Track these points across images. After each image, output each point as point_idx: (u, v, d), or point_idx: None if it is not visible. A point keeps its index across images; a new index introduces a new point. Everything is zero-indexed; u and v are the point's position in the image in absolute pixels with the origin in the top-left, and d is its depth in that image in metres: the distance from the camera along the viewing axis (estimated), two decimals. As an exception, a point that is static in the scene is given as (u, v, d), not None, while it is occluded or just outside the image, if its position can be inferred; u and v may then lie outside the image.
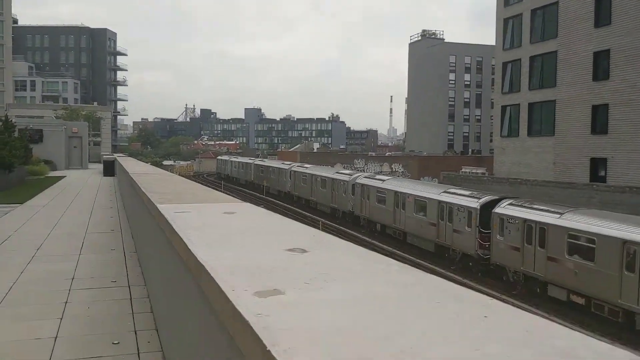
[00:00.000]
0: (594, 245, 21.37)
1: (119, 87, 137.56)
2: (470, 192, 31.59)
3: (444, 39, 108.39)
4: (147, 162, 44.56)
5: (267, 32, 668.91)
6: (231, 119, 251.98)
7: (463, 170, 49.28)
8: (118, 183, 27.91)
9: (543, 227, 23.92)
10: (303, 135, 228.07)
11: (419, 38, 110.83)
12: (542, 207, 25.45)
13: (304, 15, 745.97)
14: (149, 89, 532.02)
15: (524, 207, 26.11)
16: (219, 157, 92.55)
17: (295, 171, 54.50)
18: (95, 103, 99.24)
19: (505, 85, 50.49)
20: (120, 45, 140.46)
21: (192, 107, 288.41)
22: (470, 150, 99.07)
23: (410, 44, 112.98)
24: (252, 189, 67.09)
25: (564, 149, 43.93)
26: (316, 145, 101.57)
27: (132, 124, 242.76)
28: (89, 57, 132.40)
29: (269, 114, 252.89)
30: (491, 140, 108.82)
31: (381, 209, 37.29)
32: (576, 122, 42.90)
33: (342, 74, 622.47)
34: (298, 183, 53.16)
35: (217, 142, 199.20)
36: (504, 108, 50.62)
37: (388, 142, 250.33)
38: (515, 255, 25.35)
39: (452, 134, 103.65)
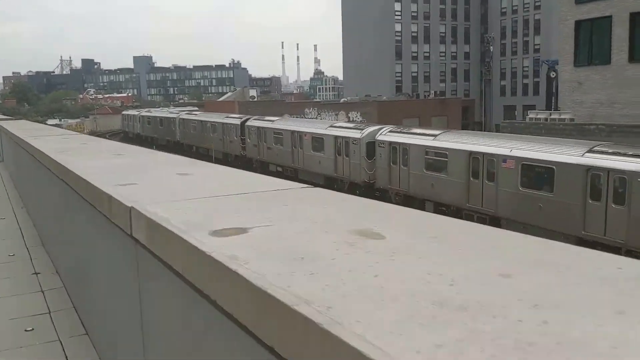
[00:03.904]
0: (281, 136, 36.21)
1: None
2: (238, 116, 46.34)
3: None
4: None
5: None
6: (118, 69, 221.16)
7: (531, 116, 33.08)
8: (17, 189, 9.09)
9: (264, 130, 38.51)
10: (202, 84, 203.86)
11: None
12: (266, 119, 40.33)
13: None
14: (17, 43, 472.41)
15: (259, 120, 40.64)
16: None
17: (143, 116, 65.86)
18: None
19: (583, -9, 34.06)
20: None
21: (69, 58, 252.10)
22: (428, 93, 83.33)
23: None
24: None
25: None
26: (252, 93, 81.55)
27: (1, 80, 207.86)
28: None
29: (160, 63, 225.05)
30: (442, 81, 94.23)
31: (195, 135, 49.26)
32: None
33: (234, 20, 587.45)
34: (145, 126, 64.42)
35: (107, 96, 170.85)
36: (579, 24, 34.18)
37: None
38: (255, 150, 39.43)
39: (399, 74, 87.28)
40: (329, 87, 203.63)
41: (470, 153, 22.39)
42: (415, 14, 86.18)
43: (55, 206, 5.45)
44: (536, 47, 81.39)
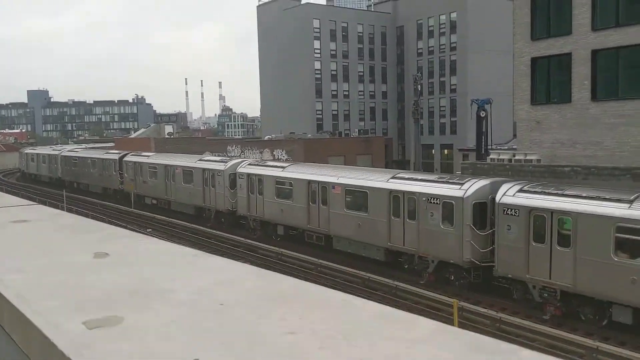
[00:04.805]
0: (155, 170, 38.85)
1: None
2: (115, 152, 48.63)
3: (301, 0, 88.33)
4: None
5: (36, 9, 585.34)
6: (10, 104, 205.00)
7: (493, 157, 30.73)
8: None
9: (140, 165, 40.33)
10: (103, 120, 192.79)
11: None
12: (142, 154, 43.15)
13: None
14: None
15: (137, 155, 42.95)
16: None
17: (27, 153, 65.76)
18: None
19: (539, 27, 32.52)
20: None
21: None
22: (348, 131, 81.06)
23: (259, 7, 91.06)
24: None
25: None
26: (168, 129, 75.38)
27: None
28: None
29: (57, 98, 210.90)
30: (361, 120, 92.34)
31: (76, 171, 51.59)
32: None
33: (129, 57, 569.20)
34: (29, 163, 64.44)
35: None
36: (535, 61, 32.72)
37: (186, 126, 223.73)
38: (133, 184, 40.56)
39: (320, 112, 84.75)
40: (239, 124, 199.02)
41: (309, 182, 25.87)
42: (334, 53, 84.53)
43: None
44: (452, 87, 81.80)
